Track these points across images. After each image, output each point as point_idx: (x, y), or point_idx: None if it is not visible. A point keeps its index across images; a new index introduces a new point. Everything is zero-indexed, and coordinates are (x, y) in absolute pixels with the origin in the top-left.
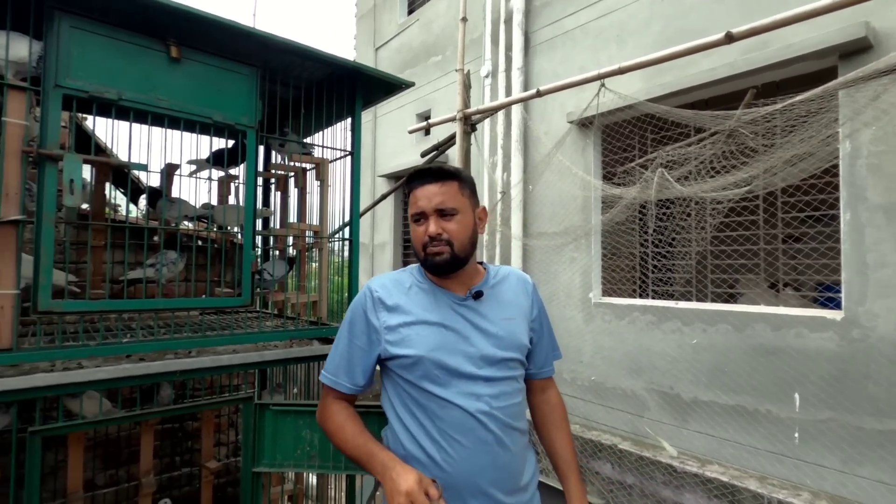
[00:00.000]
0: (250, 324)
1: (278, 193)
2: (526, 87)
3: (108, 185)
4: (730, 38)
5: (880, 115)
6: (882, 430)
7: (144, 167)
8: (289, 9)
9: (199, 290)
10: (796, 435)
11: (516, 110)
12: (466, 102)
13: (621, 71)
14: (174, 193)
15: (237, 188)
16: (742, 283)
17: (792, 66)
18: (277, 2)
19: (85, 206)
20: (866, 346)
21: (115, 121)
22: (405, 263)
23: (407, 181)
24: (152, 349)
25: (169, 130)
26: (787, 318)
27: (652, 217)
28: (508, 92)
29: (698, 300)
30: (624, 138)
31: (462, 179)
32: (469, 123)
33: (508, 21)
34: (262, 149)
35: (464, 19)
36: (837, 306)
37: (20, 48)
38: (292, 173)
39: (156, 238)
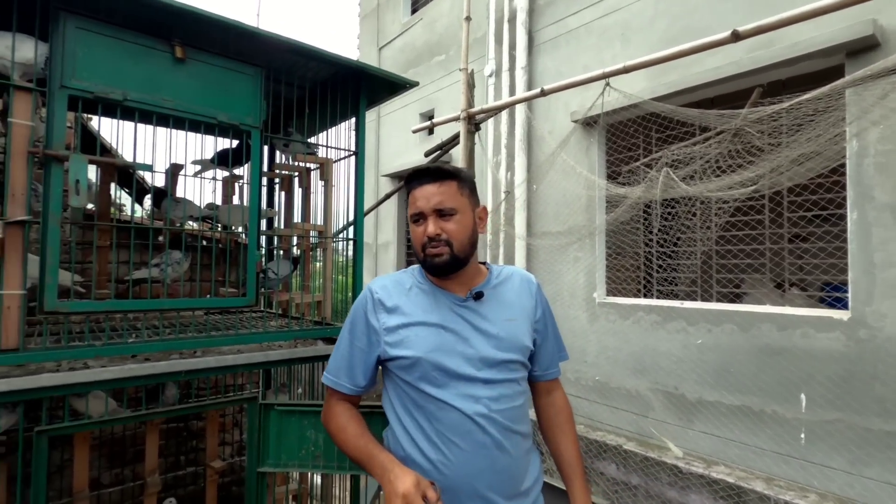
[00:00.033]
0: (255, 324)
1: (283, 193)
2: (530, 87)
3: (113, 185)
4: (736, 37)
5: (888, 113)
6: (890, 431)
7: (149, 167)
8: (292, 9)
9: (204, 289)
10: (803, 436)
11: (520, 109)
12: (470, 102)
13: (626, 70)
14: (179, 193)
15: (242, 188)
16: (748, 283)
17: (798, 65)
18: (281, 2)
19: (90, 206)
20: (874, 347)
21: (121, 121)
22: (408, 263)
23: (406, 181)
24: (157, 349)
25: (174, 131)
26: (794, 318)
27: (657, 216)
28: (512, 91)
29: (703, 300)
30: (628, 137)
31: (461, 179)
32: (473, 123)
33: (512, 20)
34: (266, 149)
35: (467, 18)
36: (844, 306)
37: (26, 49)
38: (296, 173)
39: (161, 238)
